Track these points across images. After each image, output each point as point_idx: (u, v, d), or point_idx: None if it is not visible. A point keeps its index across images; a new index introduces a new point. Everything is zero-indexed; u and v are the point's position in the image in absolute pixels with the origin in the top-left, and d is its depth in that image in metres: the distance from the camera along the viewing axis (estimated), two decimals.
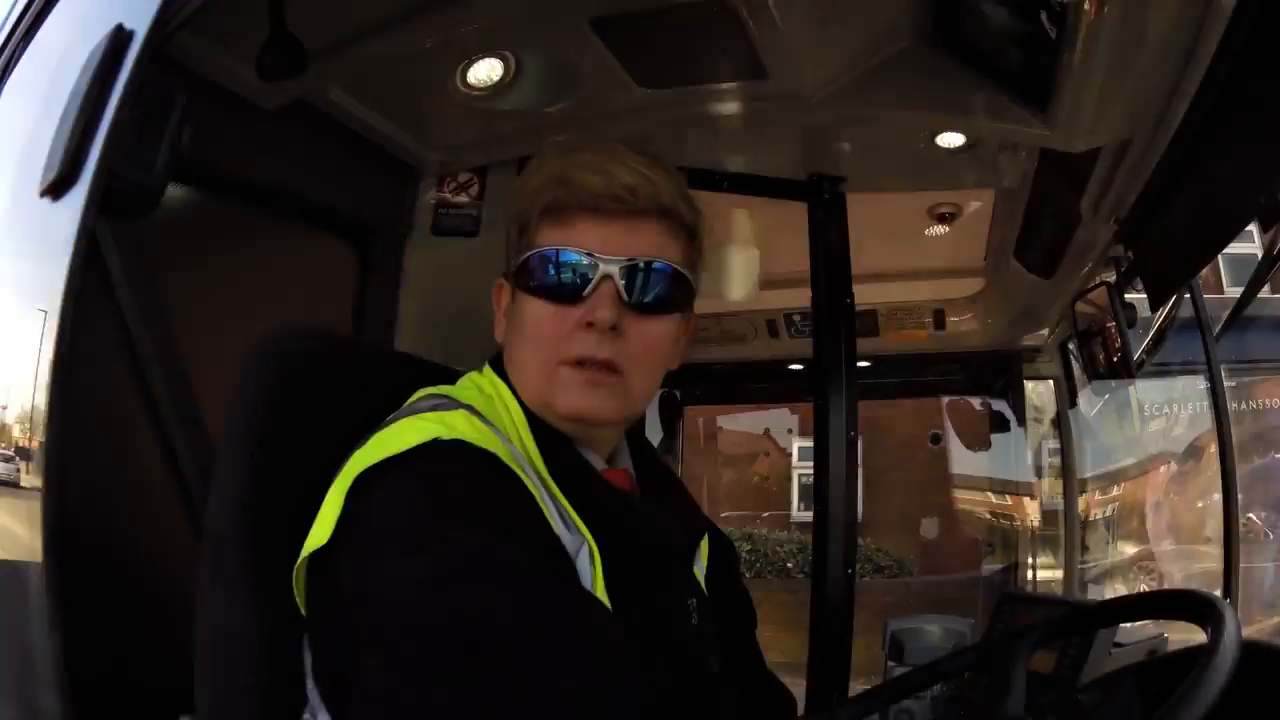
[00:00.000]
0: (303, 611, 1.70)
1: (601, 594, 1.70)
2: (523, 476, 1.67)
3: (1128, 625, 3.65)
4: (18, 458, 2.16)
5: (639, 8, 2.97)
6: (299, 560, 1.65)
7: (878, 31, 3.29)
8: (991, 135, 3.81)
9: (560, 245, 1.79)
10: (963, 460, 9.04)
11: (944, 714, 3.25)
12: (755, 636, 2.34)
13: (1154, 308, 4.25)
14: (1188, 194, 3.14)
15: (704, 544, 2.20)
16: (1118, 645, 3.53)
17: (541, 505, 1.67)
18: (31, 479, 1.96)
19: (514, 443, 1.79)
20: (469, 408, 1.77)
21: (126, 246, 2.61)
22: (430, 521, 1.52)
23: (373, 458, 1.61)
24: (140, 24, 1.45)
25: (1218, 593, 4.26)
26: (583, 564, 1.69)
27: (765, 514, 14.46)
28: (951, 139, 3.97)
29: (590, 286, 1.76)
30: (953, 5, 3.13)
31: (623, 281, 1.76)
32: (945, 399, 8.46)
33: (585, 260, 1.77)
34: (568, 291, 1.78)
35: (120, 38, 1.48)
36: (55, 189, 1.49)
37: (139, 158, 1.55)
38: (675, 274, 1.82)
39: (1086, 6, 2.51)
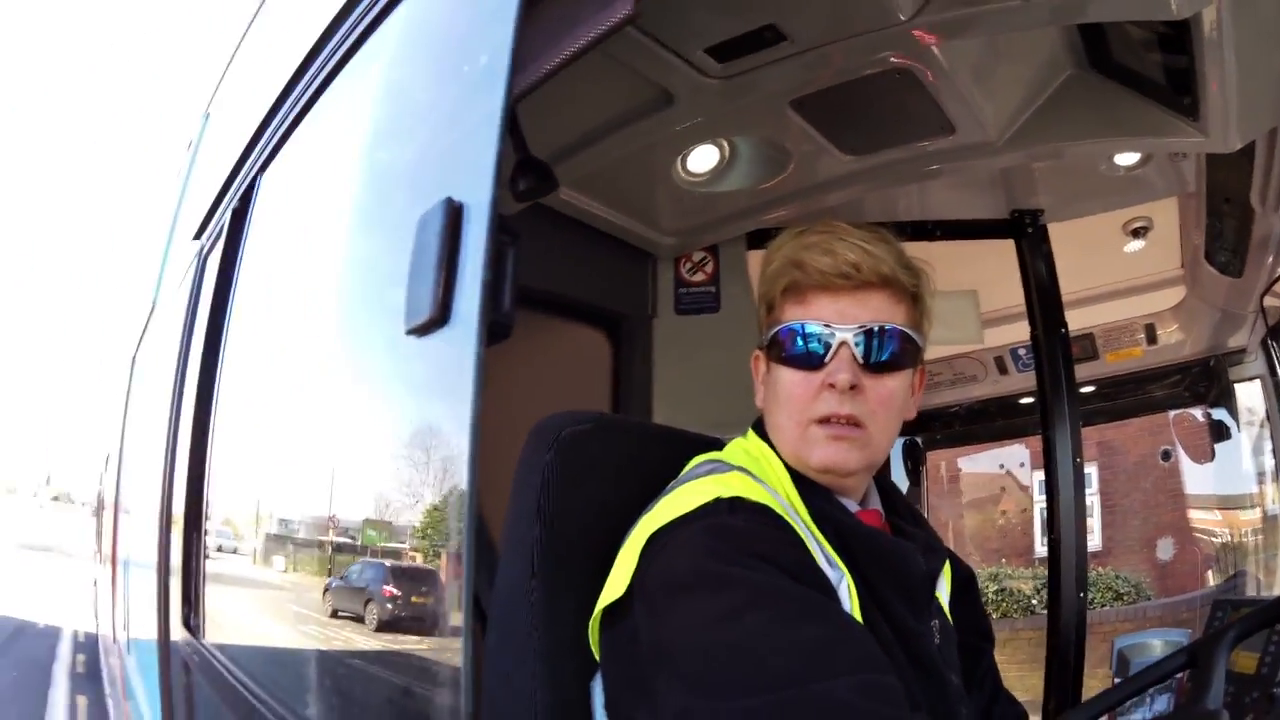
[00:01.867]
0: (596, 657, 2.01)
1: (859, 618, 1.94)
2: (792, 524, 1.95)
3: None
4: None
5: (830, 84, 3.20)
6: (596, 611, 1.96)
7: (1041, 66, 3.42)
8: (1157, 149, 3.89)
9: (801, 319, 2.07)
10: (1195, 474, 8.81)
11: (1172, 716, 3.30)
12: (993, 656, 2.52)
13: None
14: None
15: (946, 572, 2.41)
16: None
17: (808, 547, 1.93)
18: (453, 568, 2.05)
19: (781, 495, 2.05)
20: (741, 469, 2.07)
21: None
22: (720, 566, 1.77)
23: (662, 519, 1.91)
24: (477, 199, 1.70)
25: None
26: (843, 594, 1.94)
27: (1009, 552, 14.20)
28: (1127, 157, 4.09)
29: (830, 353, 2.03)
30: (1098, 30, 3.26)
31: (857, 346, 2.03)
32: (1171, 414, 8.25)
33: (823, 331, 2.04)
34: (811, 359, 2.05)
35: (454, 207, 1.73)
36: (425, 329, 1.73)
37: (496, 302, 1.87)
38: (902, 334, 2.06)
39: (1205, 15, 2.66)
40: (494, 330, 1.69)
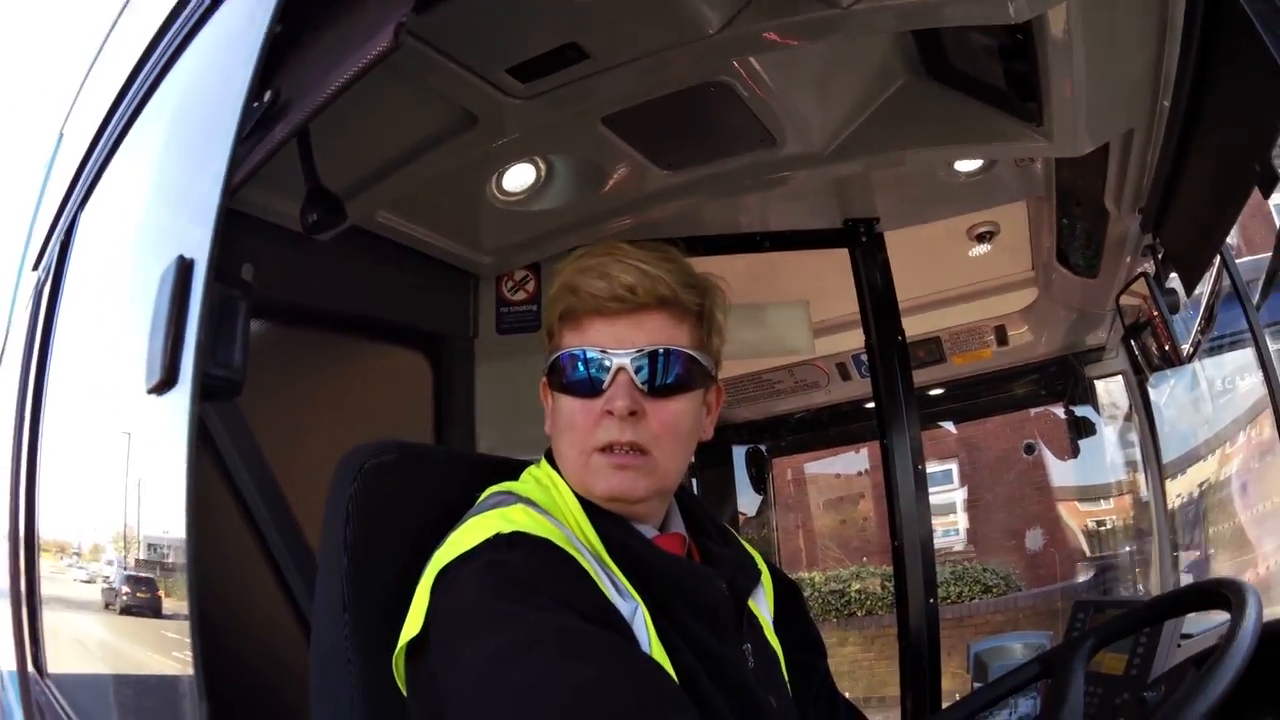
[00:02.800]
0: (404, 693, 1.91)
1: (658, 648, 1.86)
2: (577, 556, 1.86)
3: (1194, 616, 3.71)
4: (153, 589, 2.39)
5: (642, 100, 3.09)
6: (397, 649, 1.86)
7: (872, 75, 3.39)
8: (1002, 155, 3.88)
9: (577, 346, 2.01)
10: (1058, 467, 8.92)
11: None
12: (827, 669, 2.47)
13: (1188, 289, 4.22)
14: (1193, 172, 3.20)
15: (768, 587, 2.38)
16: (1187, 636, 3.58)
17: (596, 579, 1.85)
18: (178, 604, 2.12)
19: (570, 526, 1.98)
20: (527, 501, 1.98)
21: (224, 409, 3.01)
22: (497, 603, 1.71)
23: (448, 556, 1.83)
24: (200, 255, 1.69)
25: None
26: (638, 626, 1.86)
27: (870, 551, 14.31)
28: (968, 164, 4.06)
29: (608, 379, 1.98)
30: (934, 36, 3.24)
31: (637, 371, 1.97)
32: (1033, 411, 8.33)
33: (599, 356, 1.99)
34: (589, 386, 2.00)
35: (184, 265, 1.72)
36: (159, 389, 1.72)
37: (221, 360, 1.75)
38: (684, 356, 2.02)
39: (1051, 19, 2.62)
40: (215, 389, 1.72)
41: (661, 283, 1.99)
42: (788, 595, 2.46)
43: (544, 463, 2.15)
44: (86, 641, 3.35)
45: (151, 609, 2.42)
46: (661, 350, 2.00)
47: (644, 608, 1.89)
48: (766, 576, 2.39)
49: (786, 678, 2.26)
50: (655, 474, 2.00)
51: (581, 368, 2.01)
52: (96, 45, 4.27)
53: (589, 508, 2.02)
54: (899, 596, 4.39)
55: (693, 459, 2.14)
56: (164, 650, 2.26)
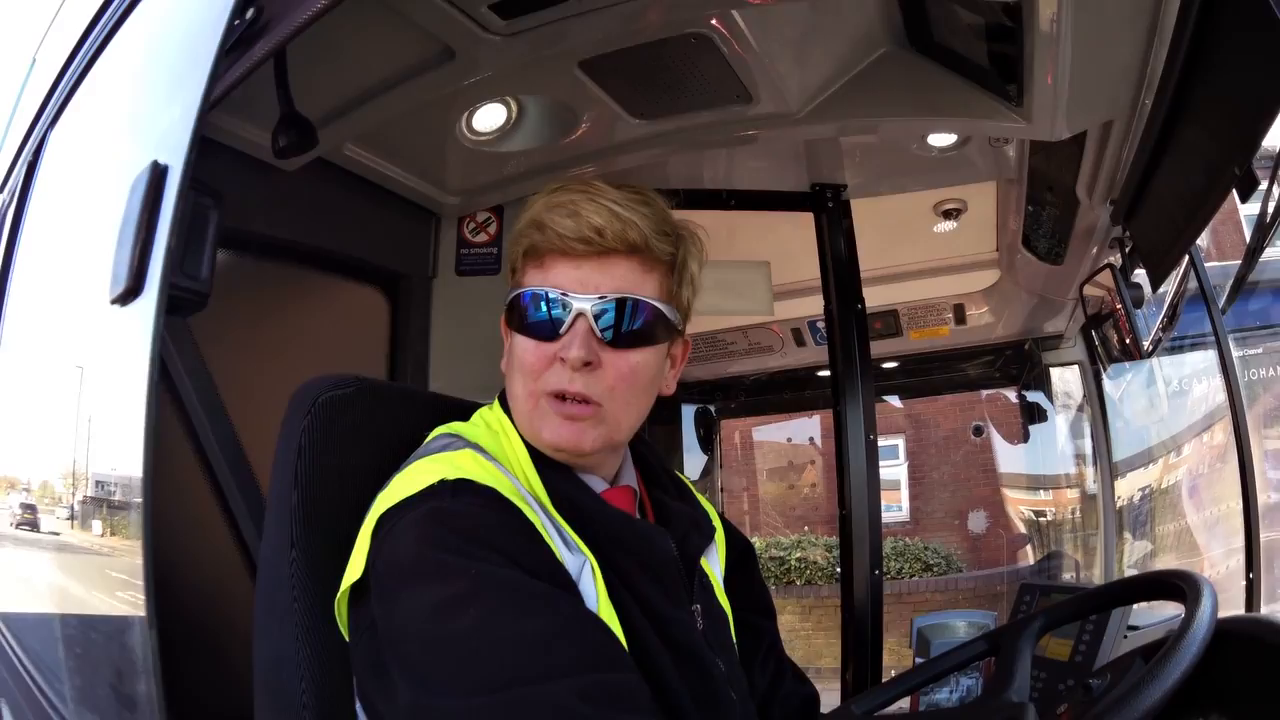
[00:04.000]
0: (346, 639, 1.88)
1: (606, 606, 1.83)
2: (524, 507, 1.82)
3: (1141, 608, 3.71)
4: (96, 521, 2.39)
5: (621, 47, 3.08)
6: (339, 594, 1.83)
7: (853, 41, 3.37)
8: (977, 132, 3.88)
9: (538, 286, 1.94)
10: (1007, 451, 8.95)
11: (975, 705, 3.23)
12: (776, 632, 2.45)
13: (1154, 286, 4.23)
14: (1170, 170, 3.19)
15: (720, 545, 2.35)
16: (1133, 628, 3.60)
17: (543, 532, 1.81)
18: (119, 542, 2.14)
19: (517, 474, 1.94)
20: (475, 446, 1.95)
21: (175, 326, 2.96)
22: (438, 554, 1.67)
23: (390, 500, 1.79)
24: (175, 161, 1.65)
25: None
26: (586, 582, 1.83)
27: (815, 520, 14.32)
28: (942, 138, 4.07)
29: (566, 325, 1.90)
30: (920, 8, 3.22)
31: (596, 318, 1.91)
32: (984, 393, 8.43)
33: (559, 299, 1.91)
34: (546, 329, 1.93)
35: (157, 172, 1.68)
36: (124, 299, 1.69)
37: (190, 269, 1.76)
38: (649, 307, 1.95)
39: (1047, 2, 2.61)
40: (182, 301, 1.71)
41: (633, 227, 1.92)
42: (740, 554, 2.43)
43: (496, 405, 2.11)
44: (34, 576, 3.33)
45: (103, 537, 2.38)
46: (625, 299, 1.93)
47: (593, 562, 1.86)
48: (720, 533, 2.37)
49: (735, 639, 2.24)
50: (605, 427, 1.95)
51: (541, 308, 1.94)
52: None
53: (536, 457, 1.98)
54: (844, 567, 4.41)
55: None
56: (110, 586, 2.25)
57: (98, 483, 2.34)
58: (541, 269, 1.96)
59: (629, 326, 1.93)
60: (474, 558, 1.66)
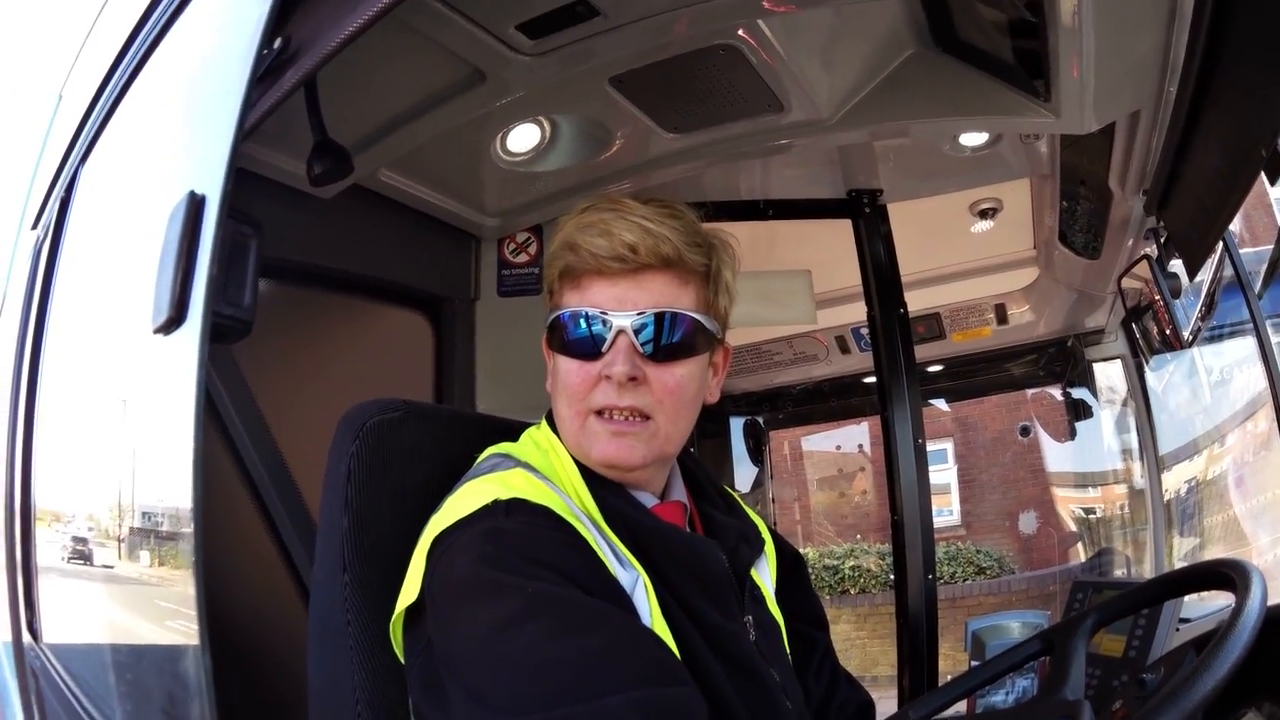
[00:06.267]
0: (401, 660, 1.91)
1: (659, 620, 1.85)
2: (577, 524, 1.84)
3: (1193, 600, 3.69)
4: (148, 551, 2.38)
5: (650, 61, 3.07)
6: (395, 616, 1.86)
7: (880, 44, 3.37)
8: (1008, 129, 3.87)
9: (577, 306, 1.97)
10: (1054, 450, 8.89)
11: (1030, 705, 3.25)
12: (829, 642, 2.45)
13: (1191, 274, 4.19)
14: (1198, 157, 3.17)
15: (771, 557, 2.36)
16: (1185, 621, 3.56)
17: (596, 549, 1.84)
18: (172, 572, 2.13)
19: (568, 492, 1.97)
20: (526, 465, 1.97)
21: (221, 355, 3.00)
22: (494, 573, 1.69)
23: (445, 522, 1.82)
24: (213, 191, 1.67)
25: None
26: (639, 597, 1.85)
27: (866, 529, 14.25)
28: (974, 138, 4.07)
29: (607, 343, 1.94)
30: (943, 7, 3.22)
31: (636, 334, 1.93)
32: (1030, 392, 8.39)
33: (599, 318, 1.94)
34: (588, 348, 1.96)
35: (195, 201, 1.69)
36: (166, 328, 1.70)
37: (232, 297, 1.75)
38: (688, 319, 1.98)
39: None
40: (225, 329, 1.69)
41: (665, 241, 1.94)
42: (790, 564, 2.44)
43: (544, 425, 2.13)
44: (84, 607, 3.33)
45: (152, 567, 2.38)
46: (664, 313, 1.96)
47: (645, 578, 1.87)
48: (770, 545, 2.38)
49: (788, 650, 2.25)
50: (655, 441, 1.98)
51: (581, 328, 1.97)
52: (96, 6, 4.27)
53: (587, 474, 2.00)
54: (898, 572, 4.42)
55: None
56: (160, 615, 2.25)
57: (145, 514, 2.35)
58: (579, 289, 1.99)
59: (669, 340, 1.96)
60: (529, 576, 1.68)
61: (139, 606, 2.60)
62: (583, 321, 1.96)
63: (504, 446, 2.10)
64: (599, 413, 1.96)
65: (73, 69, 4.73)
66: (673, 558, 1.95)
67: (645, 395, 1.95)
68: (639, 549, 1.92)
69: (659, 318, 1.95)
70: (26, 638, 3.76)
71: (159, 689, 2.24)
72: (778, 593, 2.32)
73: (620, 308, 1.95)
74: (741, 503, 2.42)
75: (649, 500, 2.07)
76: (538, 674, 1.58)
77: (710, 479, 2.31)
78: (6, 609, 4.03)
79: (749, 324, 5.72)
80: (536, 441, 2.09)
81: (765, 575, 2.29)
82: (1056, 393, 7.31)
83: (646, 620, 1.82)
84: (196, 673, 1.65)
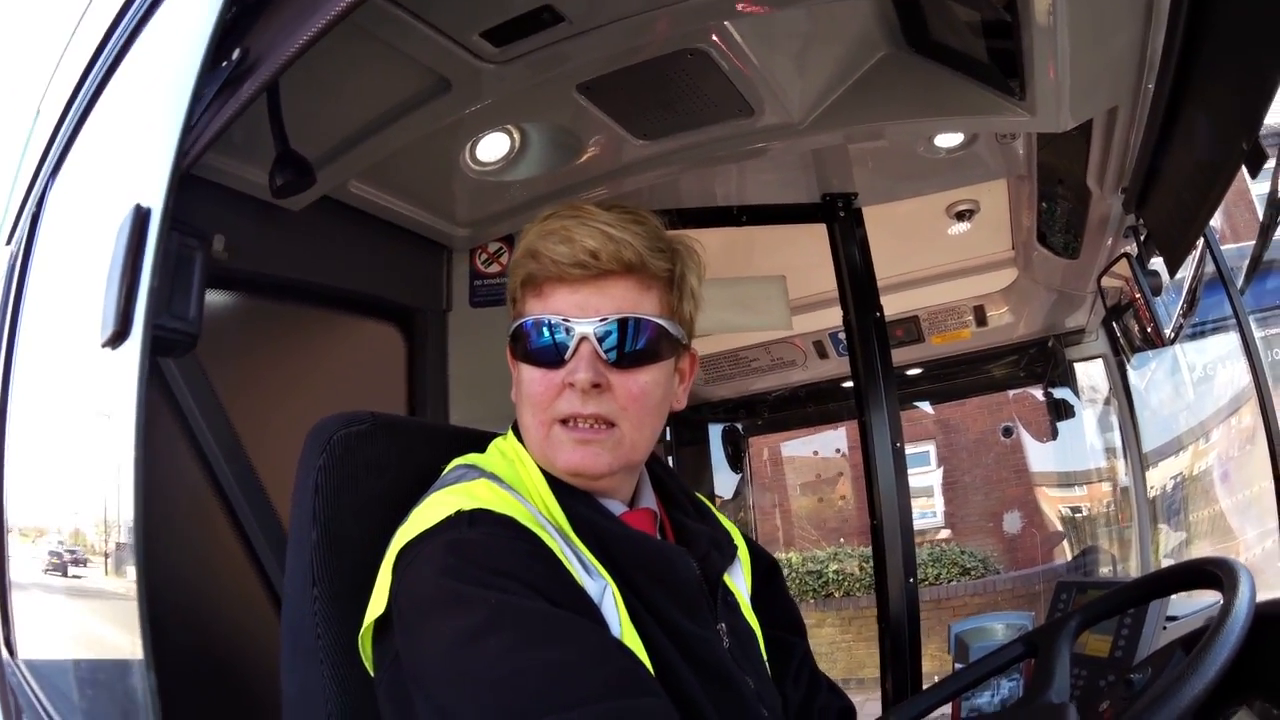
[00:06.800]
0: (370, 672, 1.88)
1: (628, 629, 1.82)
2: (542, 534, 1.82)
3: (1180, 597, 3.68)
4: (109, 564, 2.38)
5: (618, 67, 3.05)
6: (363, 628, 1.84)
7: (851, 45, 3.35)
8: (983, 128, 3.86)
9: (538, 314, 1.95)
10: (1037, 450, 8.93)
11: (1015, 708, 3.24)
12: (807, 648, 2.43)
13: (1171, 271, 4.17)
14: (1178, 153, 3.15)
15: (745, 564, 2.33)
16: (1172, 619, 3.55)
17: (562, 558, 1.81)
18: (125, 584, 2.12)
19: (535, 502, 1.94)
20: (492, 476, 1.95)
21: (186, 364, 2.96)
22: (457, 584, 1.67)
23: (409, 534, 1.80)
24: (155, 203, 1.66)
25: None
26: (608, 606, 1.82)
27: (848, 532, 14.30)
28: (949, 138, 4.06)
29: (570, 350, 1.91)
30: (915, 7, 3.20)
31: (599, 341, 1.91)
32: (1011, 393, 8.40)
33: (560, 325, 1.92)
34: (550, 356, 1.94)
35: (140, 215, 1.68)
36: (113, 341, 1.69)
37: (176, 311, 1.77)
38: (652, 325, 1.96)
39: None
40: (169, 343, 1.72)
41: (627, 247, 1.92)
42: (766, 571, 2.42)
43: (510, 435, 2.10)
44: (55, 620, 3.35)
45: (110, 579, 2.41)
46: (627, 319, 1.94)
47: (613, 587, 1.85)
48: (744, 551, 2.35)
49: (765, 657, 2.22)
50: (621, 448, 1.96)
51: (544, 335, 1.95)
52: (74, 20, 4.27)
53: (554, 483, 1.98)
54: (878, 576, 4.40)
55: (665, 431, 2.09)
56: (130, 626, 2.23)
57: (99, 528, 2.41)
58: (541, 297, 1.97)
59: (633, 346, 1.94)
60: (493, 587, 1.66)
61: (100, 620, 2.59)
62: (545, 329, 1.95)
63: (470, 458, 2.07)
64: (563, 421, 1.94)
65: (49, 85, 4.74)
66: (642, 566, 1.93)
67: (609, 402, 1.93)
68: (608, 557, 1.90)
69: (622, 323, 1.93)
70: (3, 650, 3.77)
71: (113, 705, 2.28)
72: (754, 599, 2.30)
73: (583, 314, 1.93)
74: (713, 509, 2.40)
75: (618, 508, 2.05)
76: (502, 688, 1.57)
77: (680, 485, 2.30)
78: None
79: (724, 330, 5.67)
80: (503, 452, 2.08)
81: (739, 581, 2.27)
82: (1038, 393, 7.35)
83: (616, 630, 1.80)
84: (144, 690, 1.67)
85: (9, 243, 4.69)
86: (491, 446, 2.12)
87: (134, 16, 2.73)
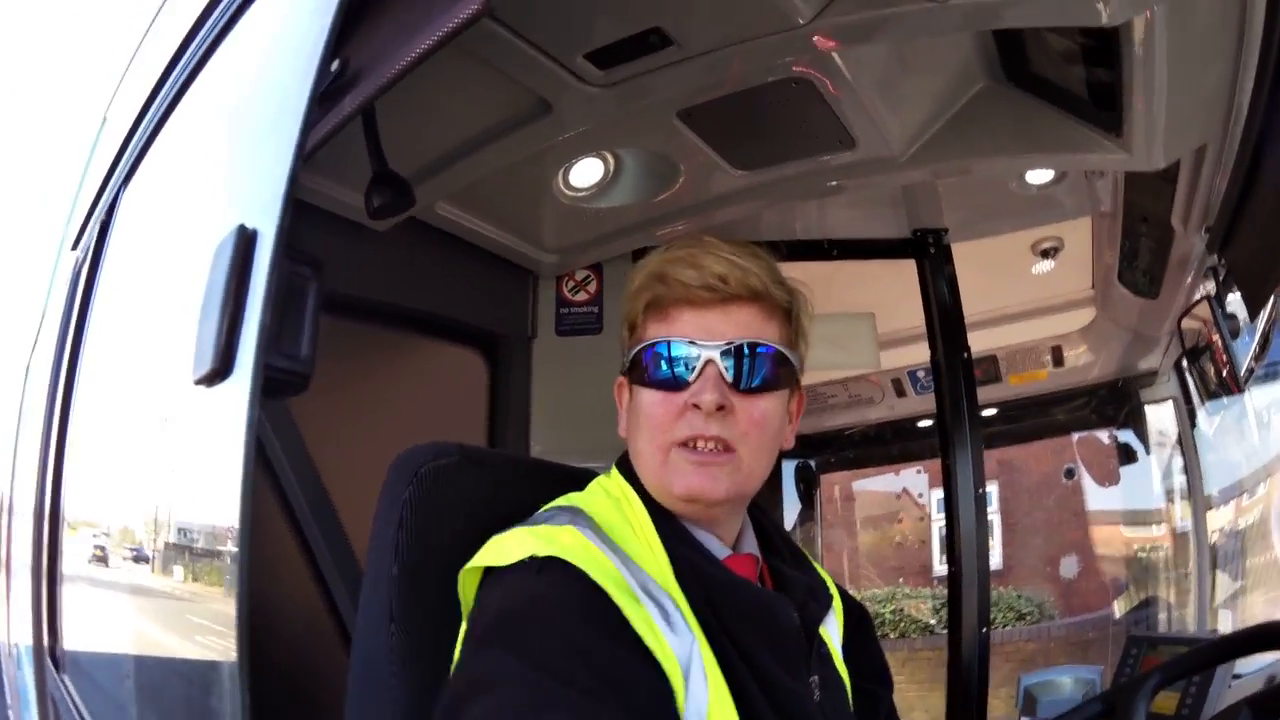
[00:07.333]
0: None
1: (716, 682, 1.76)
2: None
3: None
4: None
5: (720, 95, 3.01)
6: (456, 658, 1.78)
7: (952, 77, 3.30)
8: (1078, 166, 3.80)
9: (664, 337, 1.92)
10: (1099, 494, 8.85)
11: None
12: (892, 702, 2.39)
13: (1252, 314, 4.13)
14: (1265, 192, 3.09)
15: (838, 612, 2.29)
16: (1237, 676, 3.49)
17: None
18: (225, 605, 2.05)
19: (640, 543, 1.90)
20: (586, 520, 1.88)
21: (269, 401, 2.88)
22: (509, 632, 1.63)
23: (482, 562, 1.77)
24: (267, 227, 1.59)
25: None
26: (695, 662, 1.75)
27: (907, 572, 14.22)
28: (1040, 175, 4.00)
29: (695, 372, 1.88)
30: (1016, 39, 3.15)
31: (725, 364, 1.88)
32: (1075, 436, 8.16)
33: (688, 348, 1.89)
34: (676, 379, 1.90)
35: (245, 238, 1.61)
36: (209, 380, 1.62)
37: (287, 348, 1.70)
38: (775, 353, 1.93)
39: (1135, 26, 2.51)
40: (279, 384, 1.62)
41: (753, 275, 1.91)
42: (856, 621, 2.39)
43: (614, 472, 2.07)
44: (108, 639, 3.30)
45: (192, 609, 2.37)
46: (753, 344, 1.92)
47: (702, 643, 1.79)
48: (838, 601, 2.32)
49: (851, 708, 2.19)
50: (739, 474, 1.91)
51: (667, 360, 1.93)
52: (142, 28, 4.29)
53: (660, 524, 1.93)
54: (952, 623, 4.33)
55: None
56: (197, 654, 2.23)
57: (185, 552, 2.33)
58: (665, 320, 1.95)
59: (756, 371, 1.92)
60: (540, 637, 1.63)
61: (173, 646, 2.59)
62: (670, 351, 1.93)
63: (570, 498, 2.03)
64: (683, 444, 1.90)
65: (118, 90, 4.75)
66: (744, 614, 1.88)
67: (731, 426, 1.89)
68: (710, 605, 1.85)
69: (748, 348, 1.91)
70: (49, 664, 3.78)
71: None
72: (844, 650, 2.26)
73: (709, 337, 1.91)
74: (809, 557, 2.35)
75: (721, 550, 1.99)
76: None
77: (780, 531, 2.25)
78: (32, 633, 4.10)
79: (813, 368, 5.55)
80: (607, 490, 2.03)
81: (833, 632, 2.24)
82: (1104, 435, 7.26)
83: (701, 685, 1.74)
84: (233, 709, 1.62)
85: (75, 248, 4.72)
86: (594, 484, 2.08)
87: (219, 21, 2.71)
